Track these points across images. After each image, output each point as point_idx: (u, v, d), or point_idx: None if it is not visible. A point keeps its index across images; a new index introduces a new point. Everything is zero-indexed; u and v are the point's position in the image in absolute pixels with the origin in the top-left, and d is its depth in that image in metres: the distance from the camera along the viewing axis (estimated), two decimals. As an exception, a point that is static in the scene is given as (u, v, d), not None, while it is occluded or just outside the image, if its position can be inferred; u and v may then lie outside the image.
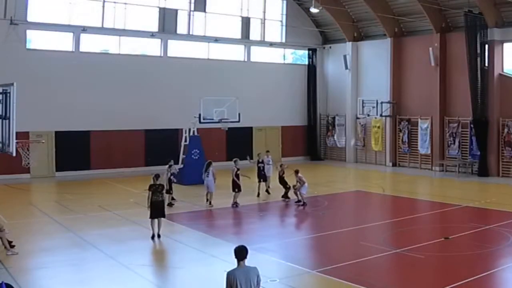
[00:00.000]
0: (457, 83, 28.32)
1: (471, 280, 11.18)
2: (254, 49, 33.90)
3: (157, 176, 15.43)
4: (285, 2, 34.33)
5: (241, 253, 7.44)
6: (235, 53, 33.37)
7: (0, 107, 11.40)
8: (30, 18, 26.37)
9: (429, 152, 29.56)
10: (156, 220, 15.10)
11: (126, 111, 28.55)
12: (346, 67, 33.75)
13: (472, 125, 27.21)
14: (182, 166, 24.90)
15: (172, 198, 19.75)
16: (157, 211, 15.08)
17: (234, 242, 14.66)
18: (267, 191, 22.04)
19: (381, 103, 31.16)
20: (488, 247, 13.86)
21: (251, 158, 24.92)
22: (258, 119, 32.84)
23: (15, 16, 25.45)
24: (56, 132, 27.15)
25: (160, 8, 29.95)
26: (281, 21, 34.50)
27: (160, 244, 14.69)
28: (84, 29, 27.67)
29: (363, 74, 33.64)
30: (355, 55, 33.78)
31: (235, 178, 19.69)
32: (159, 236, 14.97)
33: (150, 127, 29.37)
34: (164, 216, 15.26)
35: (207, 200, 20.03)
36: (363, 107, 32.01)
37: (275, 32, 34.46)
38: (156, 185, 15.22)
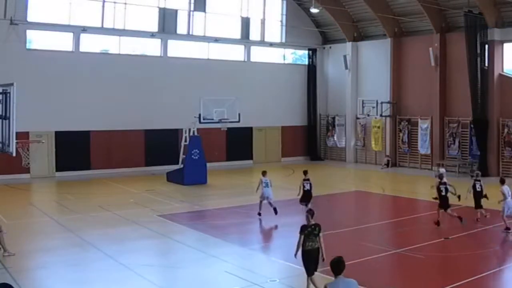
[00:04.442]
0: (457, 83, 28.31)
1: (471, 280, 11.18)
2: (254, 49, 33.88)
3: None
4: (285, 2, 34.31)
5: (338, 266, 7.09)
6: (235, 53, 33.34)
7: (0, 107, 11.40)
8: (30, 18, 26.36)
9: (429, 152, 29.56)
10: None
11: (126, 111, 28.53)
12: (346, 67, 33.74)
13: (472, 125, 27.21)
14: (181, 166, 24.91)
15: None
16: None
17: (234, 242, 14.69)
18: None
19: (381, 103, 31.14)
20: (488, 247, 13.86)
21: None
22: (258, 119, 32.83)
23: (15, 16, 25.43)
24: (56, 132, 27.15)
25: (160, 8, 29.94)
26: (281, 21, 34.48)
27: (160, 244, 14.67)
28: (84, 29, 27.68)
29: (363, 74, 33.63)
30: (355, 55, 33.77)
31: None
32: None
33: (150, 127, 29.35)
34: None
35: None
36: (363, 107, 31.97)
37: (275, 32, 34.44)
38: None
